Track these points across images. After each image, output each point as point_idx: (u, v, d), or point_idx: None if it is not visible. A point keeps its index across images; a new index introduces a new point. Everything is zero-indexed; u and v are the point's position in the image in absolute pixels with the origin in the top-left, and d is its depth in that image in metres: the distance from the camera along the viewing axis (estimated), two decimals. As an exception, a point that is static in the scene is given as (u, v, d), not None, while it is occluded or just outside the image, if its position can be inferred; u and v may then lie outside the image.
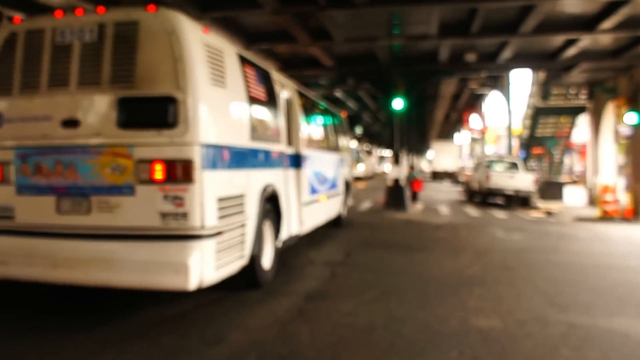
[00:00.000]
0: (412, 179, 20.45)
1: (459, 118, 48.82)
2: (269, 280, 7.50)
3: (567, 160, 38.45)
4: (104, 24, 6.19)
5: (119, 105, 6.02)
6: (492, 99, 46.55)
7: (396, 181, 18.22)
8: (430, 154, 60.92)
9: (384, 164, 68.14)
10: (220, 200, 6.28)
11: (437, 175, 46.79)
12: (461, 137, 62.24)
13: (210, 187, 6.06)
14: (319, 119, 11.60)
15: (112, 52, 6.10)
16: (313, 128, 10.84)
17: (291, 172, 8.99)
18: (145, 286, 5.83)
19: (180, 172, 5.86)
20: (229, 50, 6.97)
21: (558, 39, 15.86)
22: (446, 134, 64.84)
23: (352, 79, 22.18)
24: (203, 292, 6.74)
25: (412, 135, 35.03)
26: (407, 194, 18.07)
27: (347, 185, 14.24)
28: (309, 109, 10.74)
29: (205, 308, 6.31)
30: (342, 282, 7.58)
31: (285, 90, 9.14)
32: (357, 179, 41.75)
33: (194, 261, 5.80)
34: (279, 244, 8.19)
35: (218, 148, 6.29)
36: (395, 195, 18.14)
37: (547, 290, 7.32)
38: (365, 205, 19.90)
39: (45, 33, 6.38)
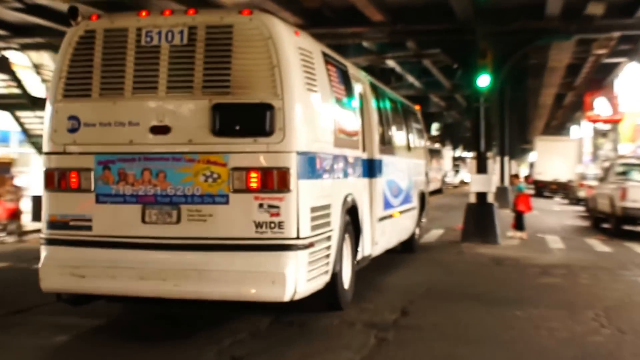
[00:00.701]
0: (518, 195, 19.82)
1: (577, 102, 48.25)
2: (349, 301, 9.64)
3: None
4: (195, 27, 8.13)
5: (214, 112, 7.93)
6: (629, 74, 45.22)
7: (482, 197, 17.95)
8: (532, 156, 59.91)
9: (459, 170, 67.28)
10: (313, 210, 8.25)
11: (542, 188, 46.69)
12: (580, 131, 61.29)
13: (305, 196, 8.01)
14: (393, 116, 13.45)
15: (204, 57, 8.04)
16: (387, 128, 12.69)
17: (365, 182, 10.92)
18: (238, 298, 7.84)
19: (276, 180, 7.80)
20: (316, 51, 9.04)
21: None
22: (557, 127, 64.21)
23: (412, 42, 22.35)
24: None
25: (506, 129, 34.16)
26: (497, 216, 17.73)
27: (423, 199, 16.23)
28: (382, 104, 12.57)
29: None
30: (392, 357, 7.47)
31: (359, 85, 11.08)
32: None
33: (290, 271, 7.77)
34: (356, 264, 10.16)
35: (312, 156, 8.30)
36: (480, 218, 17.85)
37: None
38: (434, 233, 20.21)
39: (129, 33, 8.24)
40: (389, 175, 12.53)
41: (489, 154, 18.53)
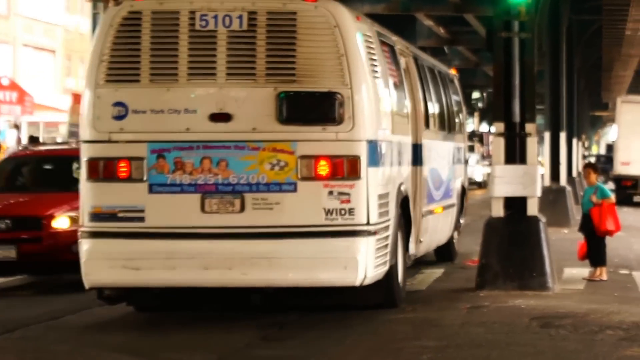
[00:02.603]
0: (597, 204, 15.64)
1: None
2: (402, 299, 11.08)
3: None
4: (255, 12, 9.31)
5: (280, 100, 9.24)
6: None
7: (516, 207, 14.12)
8: (611, 131, 52.26)
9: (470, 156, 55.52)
10: (379, 197, 9.84)
11: (631, 188, 35.38)
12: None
13: (373, 183, 9.60)
14: (434, 91, 14.22)
15: (266, 43, 9.31)
16: (429, 107, 13.50)
17: (413, 170, 12.13)
18: (310, 284, 9.47)
19: (347, 168, 9.31)
20: (374, 33, 10.47)
21: None
22: None
23: None
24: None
25: (562, 82, 27.13)
26: (546, 240, 14.24)
27: (463, 194, 16.85)
28: (424, 78, 13.46)
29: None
30: None
31: (403, 60, 12.15)
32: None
33: (361, 257, 9.36)
34: (407, 260, 11.66)
35: (378, 143, 9.84)
36: (514, 245, 14.15)
37: None
38: (428, 273, 16.42)
39: (181, 16, 9.32)
40: (431, 163, 13.26)
41: (530, 127, 14.28)
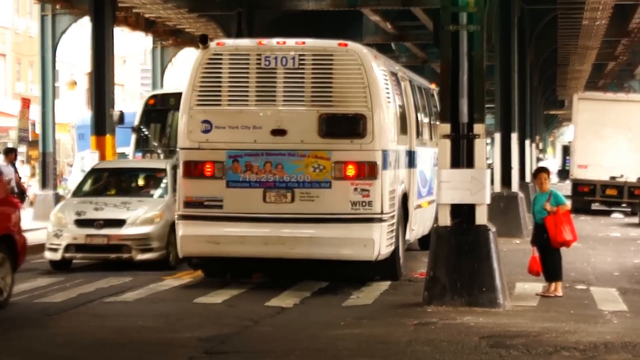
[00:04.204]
0: (552, 212, 15.44)
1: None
2: (402, 274, 14.94)
3: None
4: (304, 54, 13.61)
5: (320, 120, 13.46)
6: None
7: (464, 216, 14.03)
8: (567, 132, 51.83)
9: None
10: (390, 192, 13.83)
11: (589, 194, 33.73)
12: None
13: (386, 182, 13.60)
14: (422, 106, 17.92)
15: (312, 77, 13.58)
16: (419, 119, 17.38)
17: (409, 172, 16.04)
18: (338, 257, 13.52)
19: (367, 170, 13.33)
20: (386, 67, 14.84)
21: None
22: (618, 76, 50.03)
23: None
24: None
25: (513, 77, 25.93)
26: (496, 252, 14.27)
27: None
28: (415, 96, 17.26)
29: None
30: None
31: (403, 84, 16.29)
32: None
33: (377, 237, 13.33)
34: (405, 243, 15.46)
35: (389, 152, 13.89)
36: (463, 256, 14.05)
37: None
38: (377, 285, 16.26)
39: (250, 57, 13.67)
40: (420, 166, 16.86)
41: (479, 128, 14.12)
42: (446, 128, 13.69)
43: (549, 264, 14.69)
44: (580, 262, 19.01)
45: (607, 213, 33.55)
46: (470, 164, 13.49)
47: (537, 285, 14.91)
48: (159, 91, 23.76)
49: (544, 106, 55.74)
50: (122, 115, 24.05)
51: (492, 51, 23.76)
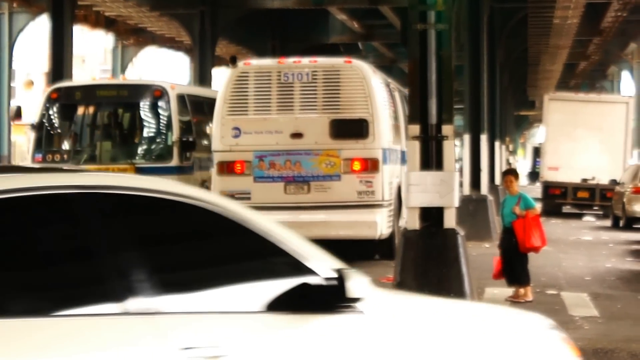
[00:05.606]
0: (521, 216, 15.62)
1: (627, 29, 34.57)
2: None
3: None
4: (316, 71, 16.40)
5: (331, 124, 16.18)
6: None
7: (432, 219, 14.37)
8: (538, 133, 51.55)
9: None
10: (389, 184, 16.77)
11: (560, 197, 33.54)
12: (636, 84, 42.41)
13: (386, 175, 16.46)
14: (404, 109, 20.71)
15: (323, 89, 16.41)
16: (405, 122, 20.25)
17: (400, 167, 18.63)
18: (347, 237, 16.16)
19: (370, 165, 16.21)
20: (383, 79, 18.37)
21: None
22: (588, 76, 49.91)
23: None
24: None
25: (482, 77, 25.91)
26: (465, 257, 14.48)
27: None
28: (403, 103, 20.16)
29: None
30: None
31: (395, 94, 20.02)
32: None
33: (379, 220, 16.25)
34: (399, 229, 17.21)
35: (387, 150, 16.82)
36: (431, 261, 14.47)
37: None
38: None
39: (272, 74, 16.41)
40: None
41: (447, 129, 14.20)
42: (415, 129, 13.53)
43: (518, 268, 14.77)
44: (551, 266, 19.08)
45: (578, 216, 33.34)
46: (439, 166, 13.38)
47: (507, 291, 14.86)
48: (63, 83, 20.97)
49: (514, 107, 54.86)
50: (19, 110, 21.80)
51: (461, 50, 23.70)
